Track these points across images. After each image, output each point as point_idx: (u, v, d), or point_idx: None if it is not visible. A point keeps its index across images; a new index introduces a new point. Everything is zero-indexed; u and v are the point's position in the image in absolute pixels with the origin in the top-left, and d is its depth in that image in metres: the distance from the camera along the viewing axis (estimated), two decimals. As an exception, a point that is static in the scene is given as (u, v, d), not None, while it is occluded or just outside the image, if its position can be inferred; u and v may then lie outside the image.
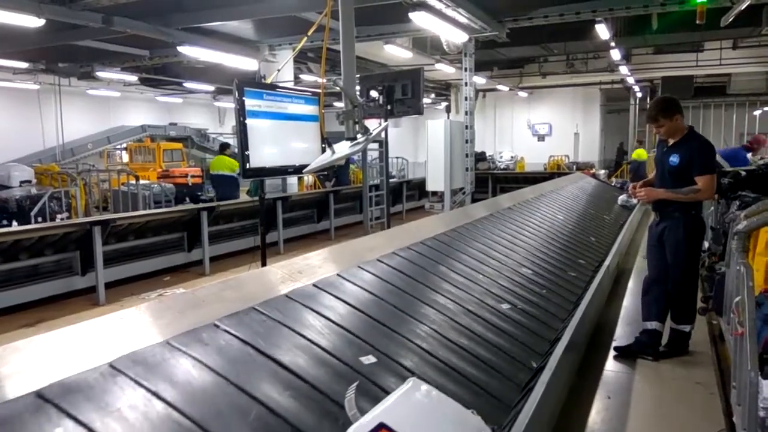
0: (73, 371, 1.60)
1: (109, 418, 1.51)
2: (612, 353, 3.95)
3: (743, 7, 7.45)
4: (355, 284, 2.98)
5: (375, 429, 1.68)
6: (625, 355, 3.87)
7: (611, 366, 3.78)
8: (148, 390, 1.66)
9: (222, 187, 11.07)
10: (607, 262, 5.28)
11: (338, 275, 2.98)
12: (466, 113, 11.44)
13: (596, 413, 3.13)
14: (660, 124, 3.81)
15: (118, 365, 1.70)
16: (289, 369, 2.09)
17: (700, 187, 3.70)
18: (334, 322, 2.54)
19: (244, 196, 10.54)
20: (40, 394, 1.46)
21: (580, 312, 3.64)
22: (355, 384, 2.05)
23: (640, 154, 16.03)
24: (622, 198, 10.49)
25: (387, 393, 2.00)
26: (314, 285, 2.78)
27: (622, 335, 4.32)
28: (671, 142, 3.87)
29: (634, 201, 10.68)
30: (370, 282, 3.10)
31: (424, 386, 1.92)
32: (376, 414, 1.72)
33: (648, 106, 4.46)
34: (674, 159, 3.78)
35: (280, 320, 2.36)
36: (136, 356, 1.78)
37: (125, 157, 21.07)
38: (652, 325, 3.87)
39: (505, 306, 3.58)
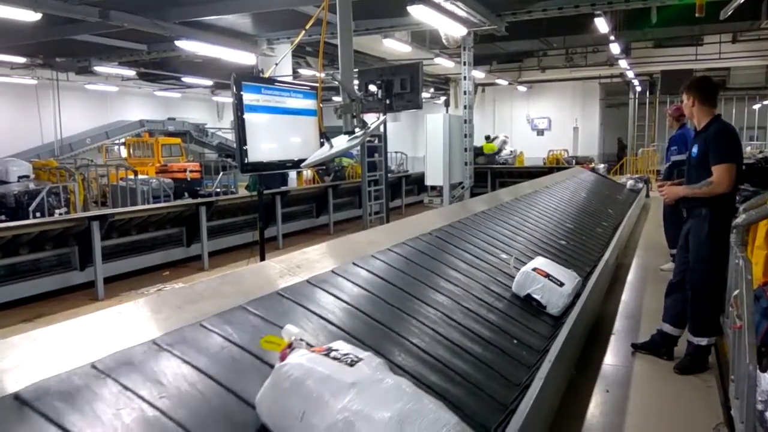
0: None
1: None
2: (610, 347, 3.96)
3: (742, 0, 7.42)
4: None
5: (533, 269, 3.56)
6: (640, 350, 3.82)
7: (610, 360, 3.79)
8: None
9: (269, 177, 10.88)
10: (606, 256, 5.28)
11: (333, 271, 3.00)
12: (465, 107, 11.42)
13: (595, 407, 3.14)
14: (686, 97, 3.50)
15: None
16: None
17: (712, 178, 3.30)
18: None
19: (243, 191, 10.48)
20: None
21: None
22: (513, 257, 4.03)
23: (491, 147, 18.37)
24: (630, 182, 11.89)
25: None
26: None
27: (621, 329, 4.33)
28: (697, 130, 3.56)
29: (641, 185, 11.56)
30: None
31: (542, 257, 4.00)
32: (528, 265, 3.67)
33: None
34: (695, 149, 3.48)
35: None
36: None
37: (123, 152, 20.99)
38: (665, 327, 3.74)
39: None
